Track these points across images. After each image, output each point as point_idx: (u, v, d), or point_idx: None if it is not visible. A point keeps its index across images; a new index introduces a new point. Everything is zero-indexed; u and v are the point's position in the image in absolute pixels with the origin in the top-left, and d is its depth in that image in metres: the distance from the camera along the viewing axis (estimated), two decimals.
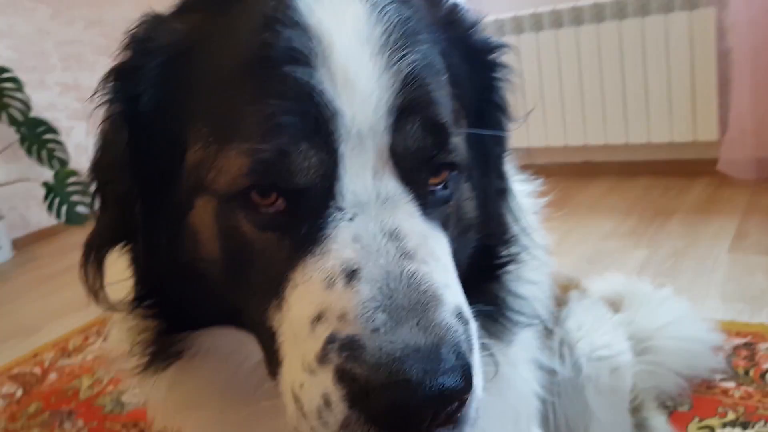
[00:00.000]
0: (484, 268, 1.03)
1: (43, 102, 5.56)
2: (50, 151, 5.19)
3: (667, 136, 4.28)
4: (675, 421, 1.94)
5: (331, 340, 0.74)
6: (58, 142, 5.26)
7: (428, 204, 0.88)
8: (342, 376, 0.73)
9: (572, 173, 4.63)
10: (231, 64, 0.85)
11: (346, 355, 0.72)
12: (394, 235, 0.80)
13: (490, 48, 1.04)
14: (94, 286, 1.01)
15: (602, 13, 4.27)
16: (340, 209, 0.81)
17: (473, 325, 0.80)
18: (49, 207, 5.07)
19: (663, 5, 4.07)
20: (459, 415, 0.75)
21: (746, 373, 2.20)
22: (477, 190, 1.01)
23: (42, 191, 5.12)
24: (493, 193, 1.06)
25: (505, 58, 1.05)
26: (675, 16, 4.05)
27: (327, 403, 0.75)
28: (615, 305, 2.06)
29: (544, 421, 1.40)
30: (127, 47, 0.95)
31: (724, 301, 2.64)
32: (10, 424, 2.62)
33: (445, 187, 0.90)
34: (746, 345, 2.34)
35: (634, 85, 4.30)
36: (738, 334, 2.40)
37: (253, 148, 0.80)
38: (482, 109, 1.03)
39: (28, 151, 5.15)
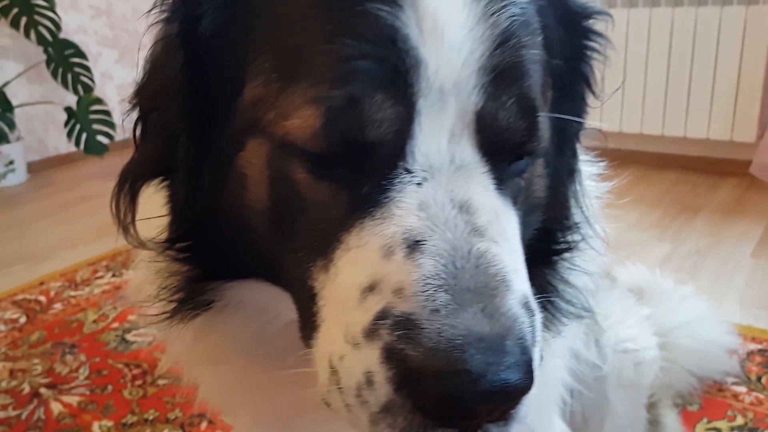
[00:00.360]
0: (542, 252, 0.96)
1: (74, 24, 5.48)
2: (76, 76, 5.13)
3: (704, 132, 4.17)
4: (684, 420, 1.93)
5: (382, 315, 0.68)
6: (85, 67, 5.20)
7: (503, 178, 0.80)
8: (391, 355, 0.66)
9: (602, 159, 4.51)
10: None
11: (399, 334, 0.66)
12: (464, 208, 0.72)
13: (588, 13, 0.95)
14: (125, 219, 0.94)
15: None
16: (409, 171, 0.73)
17: (539, 317, 0.73)
18: (69, 133, 5.04)
19: None
20: (512, 411, 0.69)
21: (759, 379, 2.19)
22: (549, 167, 0.93)
23: (63, 116, 5.09)
24: (564, 173, 0.99)
25: (601, 27, 0.96)
26: (731, 10, 3.90)
27: (369, 381, 0.69)
28: (636, 295, 2.02)
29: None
30: None
31: (742, 306, 2.62)
32: (10, 350, 2.61)
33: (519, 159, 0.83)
34: (761, 351, 2.33)
35: (677, 77, 4.17)
36: (754, 340, 2.39)
37: (322, 94, 0.72)
38: (568, 78, 0.94)
39: (54, 74, 5.09)
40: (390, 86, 0.71)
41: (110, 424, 2.13)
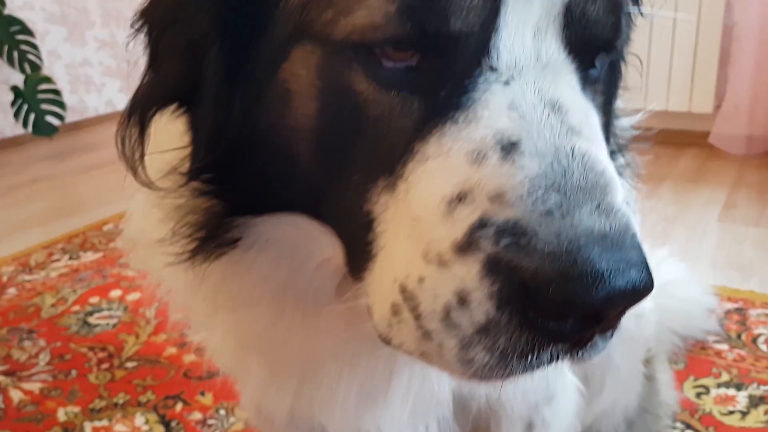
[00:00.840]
0: None
1: (19, 0, 5.19)
2: (22, 54, 4.86)
3: (663, 104, 4.22)
4: None
5: (481, 224, 0.61)
6: (32, 45, 4.93)
7: (587, 81, 0.75)
8: (495, 268, 0.60)
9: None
10: None
11: (506, 243, 0.59)
12: (556, 107, 0.66)
13: None
14: (133, 154, 0.84)
15: None
16: (494, 69, 0.67)
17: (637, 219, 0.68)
18: (16, 114, 4.80)
19: None
20: (620, 318, 0.65)
21: (738, 336, 2.24)
22: (603, 86, 0.88)
23: (9, 96, 4.83)
24: (612, 96, 0.94)
25: None
26: None
27: (462, 301, 0.62)
28: None
29: None
30: None
31: (714, 268, 2.68)
32: None
33: (596, 65, 0.78)
34: (738, 310, 2.38)
35: (636, 51, 4.20)
36: (729, 299, 2.44)
37: None
38: None
39: None
40: None
41: (77, 409, 2.02)
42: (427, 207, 0.65)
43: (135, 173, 0.85)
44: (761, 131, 3.95)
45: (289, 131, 0.76)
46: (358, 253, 0.74)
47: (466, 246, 0.62)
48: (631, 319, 1.44)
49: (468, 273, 0.61)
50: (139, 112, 0.82)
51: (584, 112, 0.70)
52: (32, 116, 4.82)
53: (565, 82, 0.69)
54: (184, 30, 0.77)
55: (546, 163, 0.62)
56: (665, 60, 4.12)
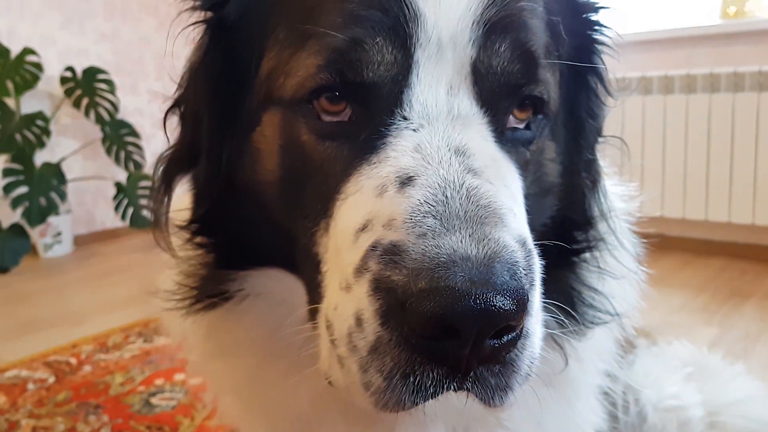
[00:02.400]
0: (561, 252, 0.93)
1: (131, 107, 5.79)
2: (128, 154, 5.37)
3: (749, 217, 4.06)
4: None
5: (372, 248, 0.67)
6: (138, 146, 5.45)
7: (506, 137, 0.81)
8: (378, 285, 0.65)
9: (646, 244, 4.42)
10: None
11: (385, 261, 0.65)
12: (460, 152, 0.73)
13: (595, 6, 0.98)
14: (159, 209, 0.98)
15: (693, 85, 4.15)
16: (406, 119, 0.75)
17: (536, 260, 0.71)
18: (117, 207, 5.21)
19: (757, 83, 3.93)
20: (507, 354, 0.67)
21: None
22: (563, 156, 0.93)
23: (112, 192, 5.28)
24: (579, 165, 0.98)
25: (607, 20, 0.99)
26: None
27: (359, 321, 0.67)
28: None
29: None
30: None
31: None
32: (36, 408, 2.59)
33: (527, 128, 0.84)
34: None
35: (719, 162, 4.13)
36: None
37: (327, 40, 0.76)
38: (579, 70, 0.95)
39: (108, 151, 5.33)
40: (390, 33, 0.75)
41: None
42: (343, 237, 0.72)
43: (158, 223, 0.97)
44: None
45: (260, 185, 0.87)
46: (313, 296, 0.79)
47: (361, 268, 0.67)
48: (674, 425, 1.35)
49: (361, 293, 0.66)
50: (164, 172, 0.95)
51: (491, 158, 0.75)
52: (131, 210, 5.22)
53: (474, 132, 0.76)
54: (190, 105, 0.93)
55: (431, 193, 0.67)
56: (749, 172, 4.02)
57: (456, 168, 0.71)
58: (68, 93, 5.19)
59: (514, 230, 0.68)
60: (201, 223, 0.95)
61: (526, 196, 0.82)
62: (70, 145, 5.43)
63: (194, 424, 2.42)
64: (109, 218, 5.66)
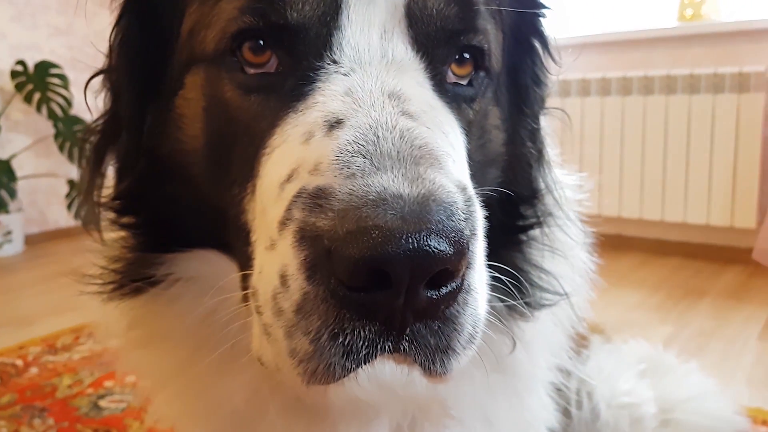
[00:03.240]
0: (507, 228, 0.90)
1: (84, 103, 5.62)
2: (82, 150, 5.21)
3: (704, 218, 4.14)
4: None
5: (297, 195, 0.61)
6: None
7: (446, 90, 0.77)
8: (303, 235, 0.59)
9: (603, 244, 4.46)
10: None
11: (310, 207, 0.59)
12: (395, 96, 0.68)
13: None
14: (90, 184, 0.91)
15: (651, 86, 4.21)
16: (336, 62, 0.71)
17: (478, 208, 0.66)
18: (69, 205, 5.06)
19: (713, 85, 4.01)
20: (447, 309, 0.61)
21: None
22: (507, 123, 0.90)
23: (65, 190, 5.13)
24: (525, 135, 0.94)
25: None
26: (724, 98, 3.97)
27: (283, 280, 0.61)
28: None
29: None
30: None
31: (750, 387, 2.49)
32: None
33: (470, 85, 0.80)
34: None
35: (675, 163, 4.20)
36: (764, 423, 2.24)
37: None
38: (521, 33, 0.93)
39: (61, 148, 5.17)
40: None
41: None
42: (268, 194, 0.66)
43: (87, 196, 0.91)
44: None
45: (184, 155, 0.82)
46: (245, 275, 0.73)
47: (285, 220, 0.61)
48: (626, 422, 1.35)
49: (285, 247, 0.60)
50: (95, 151, 0.90)
51: (428, 104, 0.70)
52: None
53: (410, 78, 0.71)
54: (111, 76, 0.89)
55: (361, 133, 0.62)
56: (704, 172, 4.09)
57: (389, 111, 0.66)
58: (19, 88, 5.02)
59: (453, 175, 0.64)
60: (125, 200, 0.89)
61: (470, 165, 0.78)
62: (22, 141, 5.25)
63: (143, 428, 2.33)
64: (62, 217, 5.49)
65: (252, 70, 0.74)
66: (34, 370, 2.86)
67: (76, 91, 5.34)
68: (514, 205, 0.93)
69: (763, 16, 4.00)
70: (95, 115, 0.94)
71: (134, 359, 1.03)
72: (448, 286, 0.60)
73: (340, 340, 0.60)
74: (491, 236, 0.72)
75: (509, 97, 0.93)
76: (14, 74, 5.01)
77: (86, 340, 3.20)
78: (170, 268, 0.89)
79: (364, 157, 0.61)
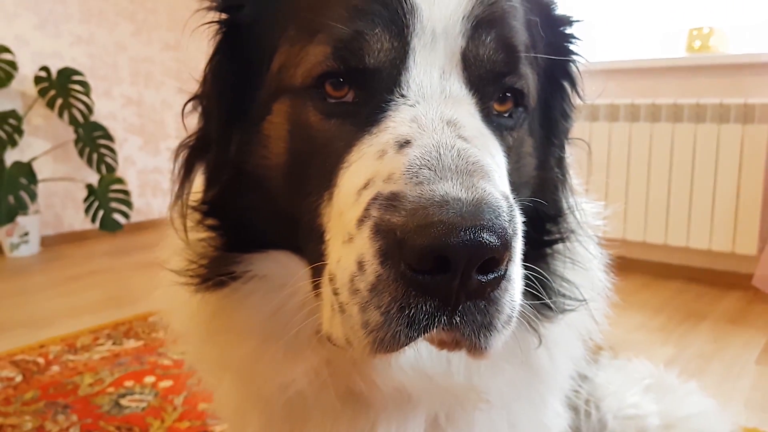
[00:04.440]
0: (534, 240, 1.02)
1: (105, 110, 5.77)
2: (101, 156, 5.35)
3: (706, 243, 4.24)
4: None
5: (374, 199, 0.75)
6: (111, 150, 5.43)
7: (491, 120, 0.91)
8: (378, 229, 0.73)
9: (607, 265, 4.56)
10: None
11: (385, 206, 0.73)
12: (452, 123, 0.83)
13: (569, 20, 1.10)
14: (180, 190, 1.05)
15: (658, 114, 4.34)
16: (404, 96, 0.85)
17: (518, 213, 0.80)
18: (87, 209, 5.17)
19: (718, 115, 4.13)
20: (492, 292, 0.74)
21: None
22: (538, 151, 1.04)
23: (83, 194, 5.24)
24: (553, 161, 1.08)
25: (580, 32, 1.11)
26: (729, 128, 4.09)
27: (360, 266, 0.75)
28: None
29: None
30: None
31: (747, 409, 2.57)
32: (3, 406, 2.57)
33: (510, 116, 0.94)
34: None
35: (679, 189, 4.31)
36: None
37: (333, 32, 0.86)
38: (554, 73, 1.07)
39: (80, 153, 5.30)
40: (389, 24, 0.86)
41: None
42: (346, 200, 0.80)
43: (178, 200, 1.05)
44: None
45: (267, 170, 0.96)
46: (318, 269, 0.86)
47: (363, 218, 0.75)
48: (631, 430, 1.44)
49: (363, 239, 0.75)
50: (186, 163, 1.05)
51: (479, 131, 0.86)
52: (101, 213, 5.19)
53: (463, 109, 0.86)
54: (204, 99, 1.03)
55: (426, 151, 0.77)
56: (708, 198, 4.21)
57: (448, 134, 0.80)
58: (42, 93, 5.16)
59: (499, 186, 0.78)
60: (211, 206, 1.03)
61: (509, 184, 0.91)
62: (42, 145, 5.39)
63: (164, 426, 2.43)
64: (77, 221, 5.61)
65: (333, 100, 0.89)
66: (55, 368, 2.96)
67: (95, 99, 5.48)
68: (541, 222, 1.07)
69: None
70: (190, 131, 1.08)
71: (206, 350, 1.14)
72: (495, 272, 0.73)
73: (406, 312, 0.73)
74: (523, 249, 0.86)
75: (541, 128, 1.07)
76: (38, 80, 5.15)
77: (105, 341, 3.30)
78: (248, 266, 1.02)
79: (429, 170, 0.74)
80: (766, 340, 3.29)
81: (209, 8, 1.01)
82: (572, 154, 1.20)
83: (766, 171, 4.04)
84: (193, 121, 1.06)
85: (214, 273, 1.01)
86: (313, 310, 0.87)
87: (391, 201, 0.73)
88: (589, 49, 1.11)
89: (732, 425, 2.08)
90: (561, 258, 1.08)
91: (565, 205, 1.09)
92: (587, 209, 1.18)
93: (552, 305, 1.01)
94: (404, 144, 0.79)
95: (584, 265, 1.11)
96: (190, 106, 1.06)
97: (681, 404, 2.01)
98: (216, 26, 1.01)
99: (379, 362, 0.97)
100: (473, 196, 0.72)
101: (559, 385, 1.17)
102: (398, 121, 0.83)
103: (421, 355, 0.98)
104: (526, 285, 0.89)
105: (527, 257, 0.88)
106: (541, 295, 0.96)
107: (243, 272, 1.02)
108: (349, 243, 0.77)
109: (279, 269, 1.01)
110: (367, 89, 0.87)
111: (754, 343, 3.25)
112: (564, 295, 1.04)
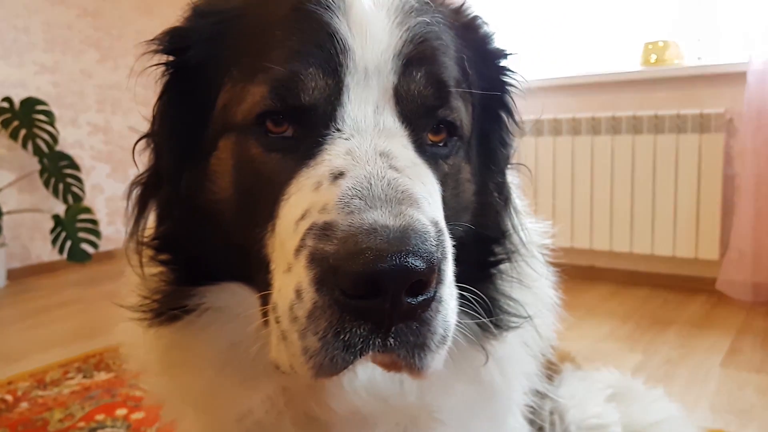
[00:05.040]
0: (480, 264, 1.07)
1: (71, 139, 5.73)
2: (67, 186, 5.29)
3: (670, 250, 4.35)
4: None
5: (309, 229, 0.79)
6: (78, 179, 5.38)
7: (425, 151, 0.96)
8: (313, 258, 0.77)
9: (576, 275, 4.64)
10: (270, 18, 0.97)
11: (319, 236, 0.77)
12: (384, 154, 0.87)
13: (503, 53, 1.15)
14: (135, 227, 1.08)
15: (618, 126, 4.46)
16: (339, 130, 0.90)
17: (447, 238, 0.83)
18: (54, 240, 5.10)
19: (676, 126, 4.26)
20: (423, 313, 0.78)
21: None
22: (477, 177, 1.08)
23: (50, 225, 5.17)
24: (492, 186, 1.13)
25: (513, 65, 1.16)
26: (686, 138, 4.22)
27: (298, 293, 0.78)
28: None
29: None
30: (186, 14, 1.06)
31: (713, 412, 2.64)
32: None
33: (444, 145, 0.99)
34: None
35: (642, 198, 4.43)
36: None
37: (271, 73, 0.90)
38: (491, 105, 1.12)
39: (46, 184, 5.24)
40: (324, 64, 0.91)
41: None
42: (286, 230, 0.84)
43: (131, 236, 1.08)
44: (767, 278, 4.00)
45: (215, 204, 1.00)
46: (266, 299, 0.89)
47: (300, 248, 0.79)
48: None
49: (300, 268, 0.78)
50: (139, 199, 1.08)
51: (411, 161, 0.90)
52: (68, 244, 5.12)
53: (397, 142, 0.91)
54: (154, 138, 1.07)
55: (358, 182, 0.81)
56: (669, 206, 4.32)
57: (380, 165, 0.85)
58: (5, 124, 5.10)
59: (428, 213, 0.81)
60: (163, 240, 1.06)
61: (447, 210, 0.95)
62: (6, 177, 5.31)
63: None
64: (45, 252, 5.53)
65: (273, 135, 0.93)
66: (24, 405, 2.91)
67: (60, 128, 5.44)
68: (485, 244, 1.11)
69: (722, 61, 4.27)
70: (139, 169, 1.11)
71: (164, 383, 1.16)
72: (424, 294, 0.77)
73: (342, 336, 0.77)
74: (467, 270, 0.91)
75: (479, 155, 1.12)
76: (0, 111, 5.09)
77: (75, 374, 3.25)
78: (201, 299, 1.05)
79: (360, 199, 0.78)
80: (730, 342, 3.38)
81: (156, 51, 1.04)
82: (518, 177, 1.25)
83: (724, 177, 4.17)
84: (145, 159, 1.09)
85: (167, 307, 1.03)
86: (264, 338, 0.90)
87: (324, 230, 0.77)
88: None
89: (698, 429, 2.14)
90: (506, 278, 1.12)
91: (508, 227, 1.14)
92: (533, 229, 1.22)
93: (496, 323, 1.05)
94: (338, 176, 0.83)
95: (530, 283, 1.15)
96: (142, 143, 1.09)
97: (646, 411, 2.06)
98: (162, 68, 1.05)
99: (334, 386, 1.00)
100: (400, 223, 0.76)
101: (516, 402, 1.21)
102: (333, 153, 0.87)
103: (375, 377, 1.02)
104: (468, 305, 0.94)
105: (472, 278, 0.93)
106: (482, 314, 0.99)
107: (197, 305, 1.04)
108: (288, 272, 0.81)
109: (233, 300, 1.04)
110: (305, 125, 0.92)
111: (718, 346, 3.34)
112: (509, 313, 1.08)
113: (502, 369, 1.09)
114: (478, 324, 1.01)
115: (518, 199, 1.20)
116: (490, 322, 1.03)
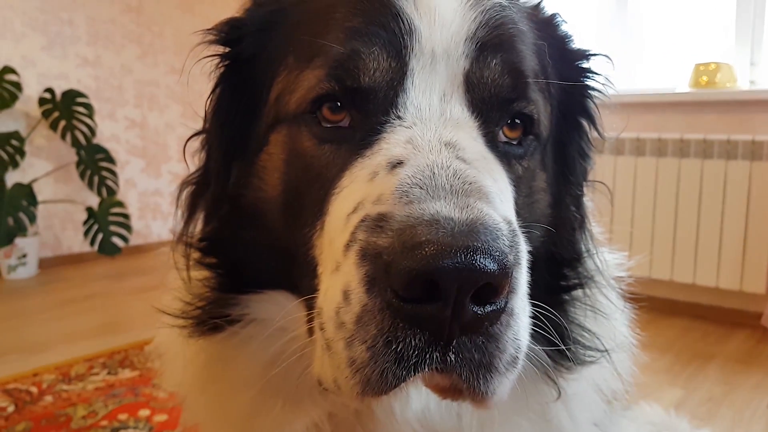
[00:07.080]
0: (549, 286, 0.96)
1: (108, 132, 5.75)
2: (102, 179, 5.31)
3: (713, 280, 4.19)
4: None
5: (361, 221, 0.69)
6: (112, 172, 5.40)
7: (497, 147, 0.85)
8: (365, 253, 0.66)
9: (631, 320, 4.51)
10: (330, 1, 0.89)
11: (371, 229, 0.66)
12: (450, 145, 0.77)
13: (586, 54, 1.05)
14: (185, 227, 1.01)
15: (664, 149, 4.31)
16: (400, 118, 0.81)
17: (522, 240, 0.72)
18: (86, 232, 5.12)
19: (725, 151, 4.10)
20: (490, 327, 0.66)
21: None
22: (552, 187, 0.98)
23: (82, 216, 5.20)
24: (569, 200, 1.02)
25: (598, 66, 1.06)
26: (736, 164, 4.06)
27: (346, 295, 0.67)
28: None
29: None
30: (245, 4, 1.00)
31: None
32: None
33: (519, 144, 0.89)
34: None
35: (685, 224, 4.27)
36: None
37: (329, 54, 0.82)
38: (570, 109, 1.02)
39: (81, 175, 5.27)
40: (386, 44, 0.81)
41: None
42: (335, 226, 0.74)
43: (181, 234, 1.01)
44: None
45: (263, 202, 0.91)
46: (311, 306, 0.79)
47: (350, 243, 0.68)
48: None
49: (349, 266, 0.67)
50: (190, 199, 1.02)
51: (481, 154, 0.79)
52: (100, 236, 5.13)
53: (465, 133, 0.81)
54: (207, 134, 1.01)
55: (419, 170, 0.70)
56: (715, 235, 4.15)
57: (445, 155, 0.74)
58: (45, 114, 5.14)
59: (499, 209, 0.70)
60: (209, 242, 0.99)
61: (518, 222, 0.83)
62: (43, 166, 5.35)
63: None
64: (76, 243, 5.55)
65: (328, 124, 0.85)
66: (48, 399, 2.88)
67: (98, 121, 5.47)
68: (557, 266, 1.00)
69: None
70: (191, 168, 1.05)
71: (201, 402, 1.07)
72: (493, 304, 0.65)
73: (393, 347, 0.65)
74: (537, 294, 0.78)
75: (555, 165, 1.01)
76: (42, 101, 5.13)
77: (100, 370, 3.22)
78: (244, 309, 0.96)
79: (421, 189, 0.68)
80: None
81: (210, 42, 0.98)
82: (592, 200, 1.15)
83: None
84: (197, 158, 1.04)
85: (210, 315, 0.95)
86: (310, 354, 0.80)
87: (378, 222, 0.67)
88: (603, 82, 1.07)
89: None
90: (580, 306, 1.00)
91: (582, 249, 1.02)
92: (609, 259, 1.12)
93: (570, 355, 0.93)
94: (397, 165, 0.74)
95: (606, 314, 1.03)
96: (196, 142, 1.04)
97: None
98: (217, 60, 0.98)
99: (384, 415, 0.90)
100: (467, 216, 0.65)
101: None
102: (392, 142, 0.78)
103: (429, 408, 0.91)
104: (540, 328, 0.81)
105: (543, 303, 0.81)
106: (558, 341, 0.87)
107: (240, 315, 0.96)
108: (336, 272, 0.71)
109: (278, 312, 0.94)
110: (363, 111, 0.83)
111: (765, 385, 3.18)
112: (584, 345, 0.96)
113: (570, 411, 0.98)
114: (548, 353, 0.89)
115: (593, 223, 1.09)
116: (562, 352, 0.90)
